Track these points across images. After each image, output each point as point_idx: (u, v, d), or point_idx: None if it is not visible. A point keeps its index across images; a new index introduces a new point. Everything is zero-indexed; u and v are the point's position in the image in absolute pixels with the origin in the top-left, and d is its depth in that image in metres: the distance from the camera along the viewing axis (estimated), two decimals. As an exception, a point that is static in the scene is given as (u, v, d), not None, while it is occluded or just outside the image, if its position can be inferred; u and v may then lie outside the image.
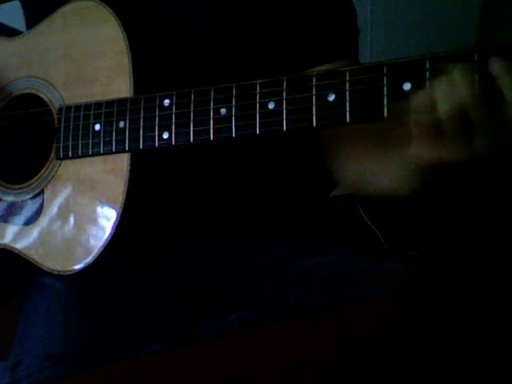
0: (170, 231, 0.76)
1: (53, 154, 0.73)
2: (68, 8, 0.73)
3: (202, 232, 0.78)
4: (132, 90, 0.67)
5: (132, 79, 0.66)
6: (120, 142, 0.67)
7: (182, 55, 0.72)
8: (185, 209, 0.76)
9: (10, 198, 0.77)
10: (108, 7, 0.68)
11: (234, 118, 0.60)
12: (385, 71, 0.54)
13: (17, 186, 0.76)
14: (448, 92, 0.52)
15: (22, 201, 0.75)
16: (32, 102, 0.76)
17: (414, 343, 0.52)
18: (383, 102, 0.54)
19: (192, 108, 0.63)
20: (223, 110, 0.61)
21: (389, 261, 0.72)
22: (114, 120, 0.67)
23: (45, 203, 0.73)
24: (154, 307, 0.73)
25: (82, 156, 0.70)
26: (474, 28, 2.00)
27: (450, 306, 0.56)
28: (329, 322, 0.56)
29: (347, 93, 0.55)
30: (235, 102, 0.60)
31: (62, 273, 0.71)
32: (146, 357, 0.58)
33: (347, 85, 0.55)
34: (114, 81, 0.68)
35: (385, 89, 0.54)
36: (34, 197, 0.74)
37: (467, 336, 0.52)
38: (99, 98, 0.69)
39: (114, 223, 0.67)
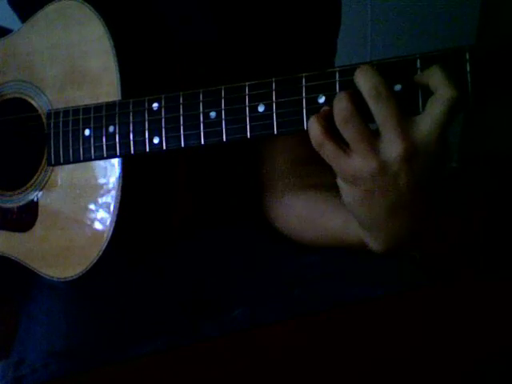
0: (170, 230, 0.76)
1: (44, 160, 0.72)
2: (50, 8, 0.71)
3: (201, 230, 0.78)
4: (120, 93, 0.65)
5: (119, 80, 0.65)
6: (111, 148, 0.66)
7: (179, 56, 0.72)
8: (184, 208, 0.76)
9: (4, 205, 0.76)
10: (91, 7, 0.67)
11: (223, 121, 0.59)
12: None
13: (11, 193, 0.75)
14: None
15: (17, 207, 0.75)
16: (21, 107, 0.75)
17: (414, 343, 0.52)
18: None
19: (181, 112, 0.62)
20: (213, 114, 0.60)
21: (389, 260, 0.72)
22: (104, 125, 0.66)
23: (39, 210, 0.72)
24: (154, 306, 0.73)
25: (74, 162, 0.69)
26: (474, 28, 2.01)
27: (450, 306, 0.55)
28: (329, 321, 0.55)
29: None
30: (224, 105, 0.59)
31: (60, 279, 0.70)
32: (146, 357, 0.59)
33: (337, 86, 0.54)
34: (101, 83, 0.67)
35: None
36: (29, 203, 0.73)
37: (467, 336, 0.52)
38: (87, 100, 0.68)
39: (110, 228, 0.66)
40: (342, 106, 0.52)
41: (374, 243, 0.60)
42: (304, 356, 0.51)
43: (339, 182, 0.56)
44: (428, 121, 0.51)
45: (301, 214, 0.71)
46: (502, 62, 0.48)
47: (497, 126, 1.88)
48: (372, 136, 0.52)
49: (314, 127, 0.54)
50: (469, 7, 1.99)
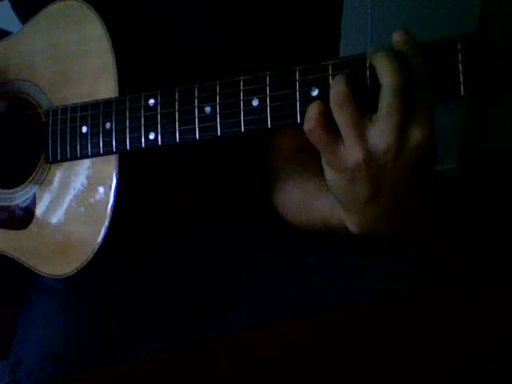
0: (169, 231, 0.76)
1: (42, 158, 0.72)
2: (52, 8, 0.72)
3: (201, 232, 0.78)
4: (117, 90, 0.66)
5: (117, 79, 0.66)
6: (107, 144, 0.66)
7: (179, 55, 0.72)
8: (184, 208, 0.76)
9: (2, 203, 0.76)
10: (91, 7, 0.68)
11: (218, 116, 0.59)
12: (367, 64, 0.52)
13: (9, 191, 0.76)
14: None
15: (15, 205, 0.75)
16: (21, 106, 0.75)
17: (414, 343, 0.51)
18: (367, 96, 0.52)
19: (177, 107, 0.62)
20: (207, 109, 0.60)
21: (389, 261, 0.72)
22: (101, 121, 0.66)
23: (37, 207, 0.73)
24: (154, 307, 0.73)
25: (71, 159, 0.69)
26: (474, 28, 2.00)
27: (449, 307, 0.55)
28: (329, 321, 0.55)
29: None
30: (219, 100, 0.59)
31: (56, 277, 0.70)
32: (146, 357, 0.58)
33: (330, 79, 0.54)
34: (99, 81, 0.67)
35: (368, 82, 0.52)
36: (26, 201, 0.74)
37: (467, 336, 0.52)
38: (86, 98, 0.68)
39: (105, 225, 0.66)
40: (339, 89, 0.52)
41: (351, 225, 0.59)
42: (304, 356, 0.51)
43: (324, 164, 0.56)
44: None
45: (297, 198, 0.72)
46: (495, 52, 0.48)
47: (497, 127, 1.88)
48: (363, 124, 0.52)
49: (310, 110, 0.54)
50: (469, 7, 1.99)
